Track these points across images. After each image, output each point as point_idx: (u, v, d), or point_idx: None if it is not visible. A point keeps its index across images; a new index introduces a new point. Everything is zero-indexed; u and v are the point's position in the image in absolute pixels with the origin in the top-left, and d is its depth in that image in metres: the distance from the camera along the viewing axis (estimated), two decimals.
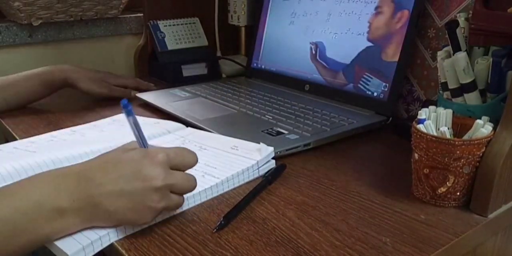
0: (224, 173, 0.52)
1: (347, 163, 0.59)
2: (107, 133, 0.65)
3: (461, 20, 0.55)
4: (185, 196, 0.47)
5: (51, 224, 0.39)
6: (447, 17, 0.68)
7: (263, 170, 0.55)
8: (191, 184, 0.44)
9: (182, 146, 0.60)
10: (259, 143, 0.58)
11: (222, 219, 0.45)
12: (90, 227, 0.42)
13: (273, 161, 0.57)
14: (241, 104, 0.78)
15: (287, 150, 0.60)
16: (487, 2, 0.53)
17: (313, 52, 0.84)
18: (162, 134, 0.65)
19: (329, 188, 0.53)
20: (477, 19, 0.53)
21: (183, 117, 0.72)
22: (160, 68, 0.98)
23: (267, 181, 0.53)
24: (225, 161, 0.55)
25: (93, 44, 1.02)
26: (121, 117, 0.73)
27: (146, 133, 0.63)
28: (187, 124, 0.70)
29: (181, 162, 0.43)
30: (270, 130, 0.66)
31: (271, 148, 0.57)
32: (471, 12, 0.59)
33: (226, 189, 0.52)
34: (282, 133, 0.65)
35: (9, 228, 0.37)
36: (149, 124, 0.69)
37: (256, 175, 0.55)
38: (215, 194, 0.51)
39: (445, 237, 0.43)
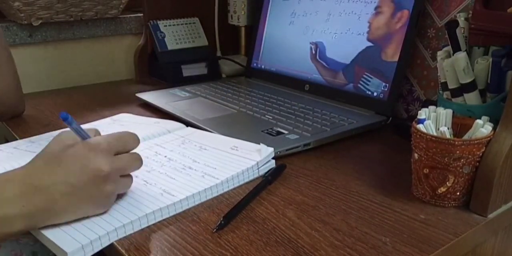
0: (224, 174, 0.52)
1: (347, 163, 0.59)
2: (107, 133, 0.65)
3: (461, 20, 0.55)
4: (186, 195, 0.47)
5: None
6: (447, 17, 0.68)
7: (263, 171, 0.55)
8: (138, 163, 0.45)
9: (182, 145, 0.60)
10: (259, 143, 0.58)
11: (222, 219, 0.45)
12: (88, 226, 0.42)
13: (273, 161, 0.57)
14: (241, 104, 0.78)
15: (287, 150, 0.60)
16: (487, 2, 0.53)
17: (313, 52, 0.84)
18: (162, 134, 0.65)
19: (329, 188, 0.53)
20: (477, 19, 0.53)
21: (183, 117, 0.72)
22: (160, 68, 0.98)
23: (267, 181, 0.53)
24: (225, 162, 0.55)
25: (93, 44, 1.02)
26: (121, 117, 0.73)
27: (146, 132, 0.63)
28: (187, 124, 0.70)
29: (123, 146, 0.44)
30: (270, 130, 0.66)
31: (271, 149, 0.57)
32: (471, 12, 0.59)
33: (226, 190, 0.52)
34: (282, 133, 0.65)
35: None
36: (149, 124, 0.69)
37: (256, 176, 0.55)
38: (214, 194, 0.51)
39: (445, 237, 0.43)
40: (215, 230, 0.44)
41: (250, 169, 0.54)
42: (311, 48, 0.84)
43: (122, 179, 0.44)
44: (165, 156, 0.58)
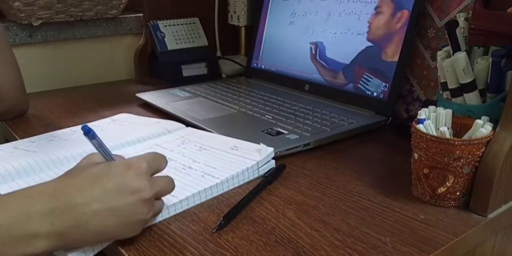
0: (223, 174, 0.52)
1: (347, 163, 0.59)
2: (107, 133, 0.65)
3: (461, 20, 0.55)
4: (186, 196, 0.47)
5: (22, 250, 0.34)
6: (447, 17, 0.68)
7: (263, 171, 0.55)
8: (172, 185, 0.44)
9: (182, 145, 0.60)
10: (259, 143, 0.58)
11: (221, 219, 0.45)
12: None
13: (273, 161, 0.57)
14: (241, 104, 0.78)
15: (287, 150, 0.60)
16: (487, 2, 0.53)
17: (313, 52, 0.84)
18: (162, 134, 0.65)
19: (329, 188, 0.53)
20: (477, 19, 0.53)
21: (183, 117, 0.72)
22: (160, 68, 0.98)
23: (267, 181, 0.53)
24: (225, 162, 0.55)
25: (93, 44, 1.02)
26: (121, 117, 0.73)
27: (146, 132, 0.63)
28: (187, 124, 0.70)
29: (158, 167, 0.42)
30: (270, 130, 0.66)
31: (271, 149, 0.57)
32: (470, 12, 0.59)
33: (225, 189, 0.52)
34: (282, 133, 0.65)
35: None
36: (149, 124, 0.69)
37: (256, 175, 0.55)
38: (214, 194, 0.51)
39: (444, 237, 0.43)
40: (215, 230, 0.44)
41: (250, 169, 0.54)
42: (311, 48, 0.85)
43: (156, 202, 0.42)
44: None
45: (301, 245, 0.42)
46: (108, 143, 0.58)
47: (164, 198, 0.47)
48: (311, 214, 0.47)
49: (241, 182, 0.53)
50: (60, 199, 0.36)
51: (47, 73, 0.97)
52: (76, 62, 1.01)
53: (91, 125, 0.69)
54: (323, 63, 0.82)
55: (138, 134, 0.64)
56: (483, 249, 0.50)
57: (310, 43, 0.85)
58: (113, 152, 0.56)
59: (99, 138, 0.39)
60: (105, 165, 0.39)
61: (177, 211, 0.47)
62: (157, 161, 0.42)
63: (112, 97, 0.85)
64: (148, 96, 0.83)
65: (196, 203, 0.49)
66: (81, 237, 0.37)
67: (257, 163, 0.54)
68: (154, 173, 0.42)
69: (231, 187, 0.52)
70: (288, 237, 0.43)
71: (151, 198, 0.40)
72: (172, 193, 0.48)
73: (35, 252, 0.35)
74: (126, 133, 0.64)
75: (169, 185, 0.43)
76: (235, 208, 0.47)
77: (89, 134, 0.38)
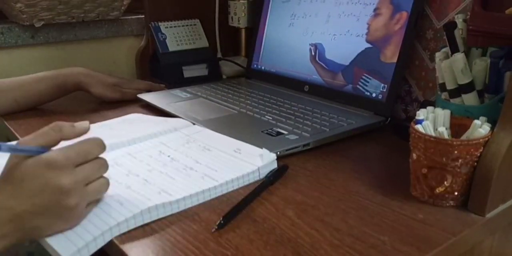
0: (224, 176, 0.53)
1: (346, 163, 0.60)
2: (115, 131, 0.66)
3: (459, 21, 0.55)
4: (183, 195, 0.48)
5: None
6: (445, 18, 0.69)
7: (263, 175, 0.55)
8: (102, 169, 0.44)
9: (186, 145, 0.61)
10: (261, 146, 0.58)
11: (221, 218, 0.45)
12: (84, 226, 0.43)
13: (275, 166, 0.56)
14: (241, 104, 0.79)
15: (286, 150, 0.61)
16: (485, 3, 0.54)
17: (313, 53, 0.85)
18: (168, 132, 0.66)
19: (329, 188, 0.53)
20: (475, 21, 0.54)
21: (184, 117, 0.73)
22: (161, 69, 0.99)
23: (269, 181, 0.53)
24: (226, 164, 0.56)
25: (95, 45, 1.02)
26: (132, 117, 0.74)
27: (152, 130, 0.64)
28: None
29: (84, 157, 0.43)
30: (270, 130, 0.67)
31: (273, 155, 0.57)
32: (469, 13, 0.60)
33: (224, 192, 0.52)
34: (282, 133, 0.65)
35: None
36: (157, 122, 0.69)
37: (257, 179, 0.55)
38: (213, 196, 0.51)
39: (443, 236, 0.44)
40: (214, 229, 0.44)
41: (251, 174, 0.54)
42: (310, 50, 0.85)
43: (88, 187, 0.43)
44: (169, 156, 0.58)
45: (301, 245, 0.42)
46: (114, 140, 0.59)
47: (162, 197, 0.47)
48: (310, 214, 0.48)
49: (241, 185, 0.53)
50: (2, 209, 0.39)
51: None
52: (77, 63, 1.01)
53: (101, 124, 0.69)
54: (323, 65, 0.83)
55: (144, 132, 0.64)
56: (481, 248, 0.51)
57: (310, 44, 0.85)
58: (119, 150, 0.56)
59: (4, 145, 0.39)
60: (26, 166, 0.40)
61: (174, 211, 0.47)
62: (81, 151, 0.42)
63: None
64: (150, 97, 0.84)
65: (194, 203, 0.49)
66: (27, 235, 0.41)
67: (258, 169, 0.55)
68: (81, 163, 0.42)
69: (229, 190, 0.52)
70: (288, 237, 0.44)
71: (73, 188, 0.41)
72: (170, 192, 0.48)
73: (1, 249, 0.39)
74: (133, 131, 0.65)
75: (97, 170, 0.44)
76: (235, 208, 0.47)
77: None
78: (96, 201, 0.46)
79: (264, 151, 0.57)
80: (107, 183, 0.45)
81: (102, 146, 0.44)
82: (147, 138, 0.63)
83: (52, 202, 0.40)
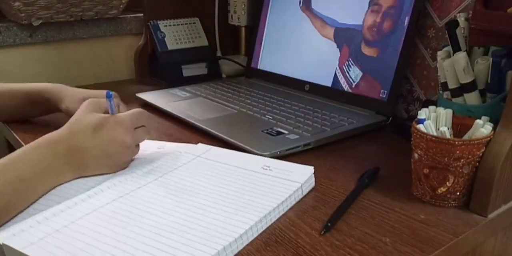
0: (268, 202, 0.46)
1: (347, 163, 0.59)
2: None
3: (461, 20, 0.55)
4: (234, 237, 0.41)
5: (55, 178, 0.50)
6: (447, 17, 0.68)
7: (306, 192, 0.51)
8: (147, 135, 0.56)
9: (202, 166, 0.55)
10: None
11: (327, 222, 0.45)
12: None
13: (313, 180, 0.52)
14: (241, 104, 0.78)
15: (287, 150, 0.60)
16: (487, 2, 0.53)
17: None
18: (175, 156, 0.58)
19: (329, 188, 0.53)
20: (477, 19, 0.53)
21: (183, 117, 0.72)
22: (160, 68, 0.98)
23: (364, 184, 0.52)
24: (261, 185, 0.49)
25: (93, 44, 1.02)
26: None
27: (160, 158, 0.57)
28: (187, 124, 0.70)
29: (139, 123, 0.55)
30: (270, 130, 0.66)
31: (311, 168, 0.52)
32: (471, 12, 0.59)
33: (273, 220, 0.45)
34: (282, 133, 0.65)
35: (26, 185, 0.47)
36: (154, 152, 0.60)
37: (300, 197, 0.50)
38: (267, 225, 0.45)
39: (445, 237, 0.43)
40: (322, 232, 0.44)
41: (296, 192, 0.49)
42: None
43: (136, 148, 0.55)
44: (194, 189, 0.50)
45: (301, 245, 0.42)
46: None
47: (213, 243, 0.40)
48: (311, 214, 0.47)
49: (286, 209, 0.47)
50: (72, 145, 0.51)
51: (47, 73, 0.97)
52: (76, 62, 1.01)
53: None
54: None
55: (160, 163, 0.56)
56: (483, 249, 0.50)
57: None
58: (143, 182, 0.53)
59: (113, 101, 0.54)
60: (102, 119, 0.53)
61: (234, 253, 0.41)
62: (139, 118, 0.55)
63: None
64: (148, 96, 0.83)
65: (249, 240, 0.42)
66: (85, 172, 0.52)
67: (301, 186, 0.49)
68: (137, 127, 0.54)
69: (278, 216, 0.46)
70: (288, 237, 0.43)
71: (132, 145, 0.54)
72: (221, 237, 0.41)
73: (62, 180, 0.50)
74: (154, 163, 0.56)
75: (144, 135, 0.56)
76: (337, 211, 0.46)
77: (109, 98, 0.54)
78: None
79: (299, 165, 0.53)
80: (138, 149, 0.57)
81: (147, 116, 0.57)
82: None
83: (116, 152, 0.52)
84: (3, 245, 0.41)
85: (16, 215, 0.45)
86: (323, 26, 0.83)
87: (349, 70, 0.78)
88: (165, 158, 0.57)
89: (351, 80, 0.78)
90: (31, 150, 0.49)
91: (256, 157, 0.56)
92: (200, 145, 0.61)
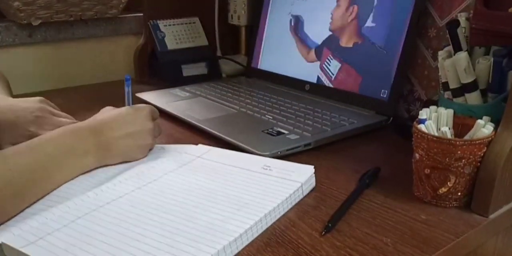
0: (267, 202, 0.45)
1: (347, 163, 0.59)
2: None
3: (462, 20, 0.54)
4: (234, 237, 0.41)
5: (80, 161, 0.52)
6: (448, 16, 0.68)
7: (306, 192, 0.50)
8: (160, 130, 0.61)
9: (203, 167, 0.55)
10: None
11: (328, 222, 0.44)
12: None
13: (314, 180, 0.52)
14: (241, 104, 0.78)
15: (287, 150, 0.60)
16: (488, 2, 0.53)
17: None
18: (175, 156, 0.58)
19: (330, 188, 0.52)
20: (478, 19, 0.53)
21: (183, 117, 0.72)
22: (160, 68, 0.98)
23: (364, 184, 0.52)
24: (262, 185, 0.49)
25: (93, 44, 1.02)
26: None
27: (160, 159, 0.56)
28: (187, 124, 0.70)
29: (154, 116, 0.60)
30: (271, 130, 0.66)
31: (311, 168, 0.52)
32: (472, 12, 0.59)
33: (273, 220, 0.45)
34: (283, 133, 0.65)
35: (53, 163, 0.49)
36: (155, 152, 0.60)
37: (301, 197, 0.49)
38: (268, 225, 0.44)
39: (446, 237, 0.43)
40: (323, 233, 0.44)
41: (297, 192, 0.48)
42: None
43: (154, 139, 0.59)
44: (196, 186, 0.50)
45: (302, 246, 0.42)
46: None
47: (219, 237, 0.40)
48: (312, 215, 0.47)
49: (286, 210, 0.47)
50: (97, 130, 0.54)
51: (47, 73, 0.97)
52: (75, 62, 1.00)
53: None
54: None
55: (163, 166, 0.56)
56: (485, 249, 0.50)
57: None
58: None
59: (131, 88, 0.59)
60: (123, 108, 0.57)
61: (234, 253, 0.40)
62: (154, 111, 0.60)
63: (112, 97, 0.84)
64: (148, 96, 0.83)
65: (250, 240, 0.42)
66: (109, 155, 0.54)
67: (302, 185, 0.49)
68: (154, 118, 0.59)
69: (278, 217, 0.46)
70: (289, 238, 0.43)
71: (152, 129, 0.57)
72: (221, 236, 0.41)
73: (87, 164, 0.53)
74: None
75: (159, 128, 0.60)
76: (338, 212, 0.46)
77: (128, 82, 0.58)
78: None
79: (297, 165, 0.52)
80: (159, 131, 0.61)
81: (158, 113, 0.61)
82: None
83: (138, 132, 0.55)
84: (2, 244, 0.41)
85: (38, 200, 0.47)
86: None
87: (329, 65, 0.78)
88: (165, 159, 0.57)
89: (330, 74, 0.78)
90: (56, 135, 0.51)
91: (256, 157, 0.56)
92: (200, 146, 0.60)
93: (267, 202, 0.46)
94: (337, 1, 0.80)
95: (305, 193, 0.50)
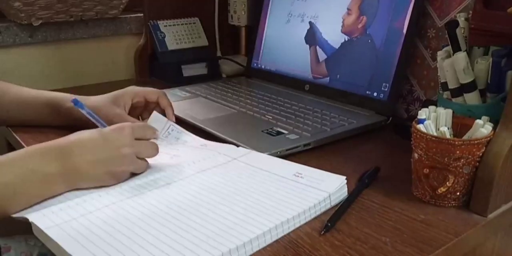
0: (291, 209, 0.45)
1: (347, 163, 0.59)
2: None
3: (461, 20, 0.55)
4: (250, 237, 0.41)
5: (44, 187, 0.47)
6: (447, 17, 0.68)
7: (334, 202, 0.49)
8: (154, 150, 0.53)
9: (237, 170, 0.54)
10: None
11: (327, 222, 0.44)
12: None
13: (346, 190, 0.50)
14: (241, 104, 0.78)
15: (287, 150, 0.60)
16: (487, 2, 0.53)
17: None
18: (213, 156, 0.58)
19: None
20: (477, 19, 0.53)
21: (183, 117, 0.72)
22: (160, 68, 0.98)
23: (364, 184, 0.52)
24: (288, 192, 0.48)
25: (93, 44, 1.02)
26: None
27: (197, 156, 0.57)
28: (187, 124, 0.70)
29: (143, 134, 0.53)
30: (270, 130, 0.66)
31: (343, 178, 0.51)
32: (471, 12, 0.59)
33: (297, 225, 0.45)
34: (282, 133, 0.65)
35: (10, 191, 0.45)
36: (197, 148, 0.61)
37: (328, 208, 0.48)
38: (286, 232, 0.44)
39: (445, 237, 0.43)
40: (323, 232, 0.44)
41: (322, 202, 0.47)
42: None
43: (139, 160, 0.52)
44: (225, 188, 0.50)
45: (301, 245, 0.42)
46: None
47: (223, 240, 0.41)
48: None
49: (308, 218, 0.46)
50: (65, 151, 0.48)
51: (47, 73, 0.97)
52: (76, 62, 1.01)
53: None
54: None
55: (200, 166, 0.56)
56: (483, 249, 0.50)
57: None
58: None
59: (87, 109, 0.53)
60: (96, 131, 0.51)
61: (248, 254, 0.41)
62: (142, 129, 0.53)
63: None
64: None
65: (267, 243, 0.42)
66: (78, 180, 0.49)
67: (329, 195, 0.48)
68: (139, 138, 0.52)
69: (298, 225, 0.45)
70: (288, 237, 0.43)
71: (130, 154, 0.50)
72: (230, 239, 0.41)
73: (53, 190, 0.47)
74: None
75: (150, 149, 0.53)
76: (338, 212, 0.46)
77: (78, 104, 0.52)
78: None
79: (328, 174, 0.51)
80: (146, 164, 0.53)
81: (155, 133, 0.55)
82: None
83: (111, 158, 0.49)
84: (32, 223, 0.43)
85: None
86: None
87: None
88: (203, 157, 0.57)
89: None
90: (24, 154, 0.48)
91: (291, 163, 0.55)
92: (240, 148, 0.60)
93: (287, 210, 0.45)
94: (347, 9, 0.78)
95: (333, 204, 0.48)
